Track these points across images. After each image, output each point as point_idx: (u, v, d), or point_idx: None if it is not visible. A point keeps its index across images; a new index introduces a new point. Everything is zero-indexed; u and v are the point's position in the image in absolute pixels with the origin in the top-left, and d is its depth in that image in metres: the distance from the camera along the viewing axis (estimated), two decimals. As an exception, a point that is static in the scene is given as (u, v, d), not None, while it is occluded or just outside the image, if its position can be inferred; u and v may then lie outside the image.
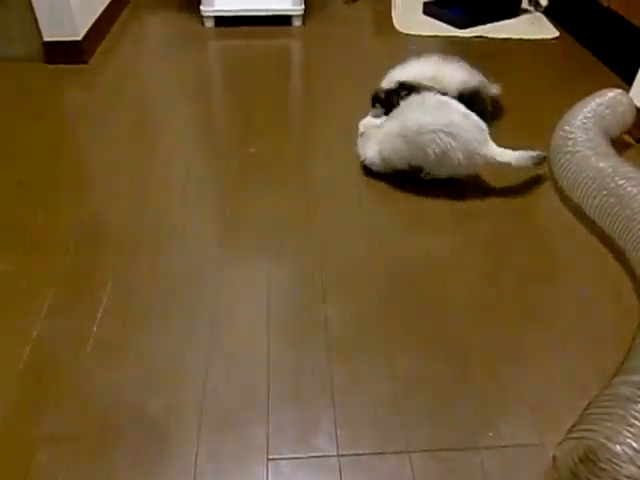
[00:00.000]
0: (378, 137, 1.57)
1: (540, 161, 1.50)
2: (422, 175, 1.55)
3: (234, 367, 1.10)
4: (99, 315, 1.19)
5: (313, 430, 1.00)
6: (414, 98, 1.55)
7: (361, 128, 1.64)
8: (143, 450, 0.96)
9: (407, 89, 1.72)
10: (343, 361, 1.11)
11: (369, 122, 1.64)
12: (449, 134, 1.45)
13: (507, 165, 1.48)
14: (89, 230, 1.41)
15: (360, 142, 1.63)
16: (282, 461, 0.95)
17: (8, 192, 1.54)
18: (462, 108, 1.49)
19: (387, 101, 1.75)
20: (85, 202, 1.51)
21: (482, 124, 1.49)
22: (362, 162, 1.62)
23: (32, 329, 1.16)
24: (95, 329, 1.16)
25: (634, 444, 0.84)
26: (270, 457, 0.96)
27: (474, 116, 1.49)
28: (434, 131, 1.45)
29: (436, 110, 1.49)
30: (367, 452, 0.97)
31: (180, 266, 1.32)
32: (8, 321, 1.18)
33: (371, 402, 1.04)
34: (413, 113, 1.50)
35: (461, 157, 1.46)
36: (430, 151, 1.47)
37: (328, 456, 0.96)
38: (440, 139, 1.45)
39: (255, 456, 0.96)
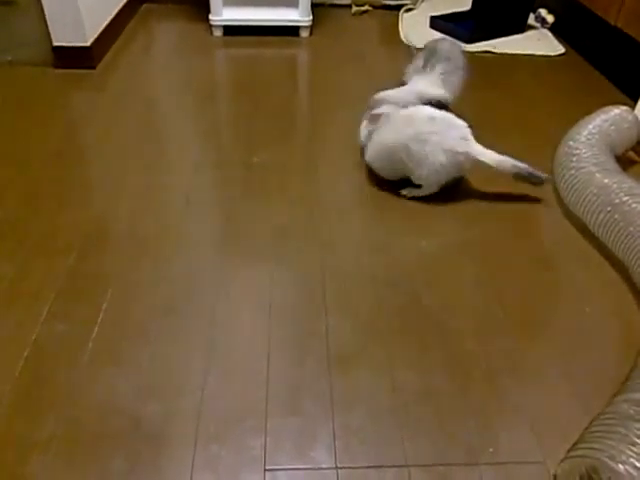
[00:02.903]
0: (370, 147, 1.61)
1: (534, 180, 1.48)
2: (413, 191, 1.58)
3: (233, 377, 1.09)
4: (98, 321, 1.19)
5: (311, 441, 0.99)
6: (384, 116, 1.58)
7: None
8: (139, 459, 0.95)
9: None
10: (343, 373, 1.10)
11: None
12: (420, 141, 1.46)
13: (488, 167, 1.48)
14: (91, 235, 1.41)
15: (363, 139, 1.66)
16: (279, 472, 0.94)
17: (11, 195, 1.54)
18: (429, 112, 1.50)
19: None
20: (88, 207, 1.51)
21: (457, 121, 1.49)
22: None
23: (31, 333, 1.15)
24: (94, 335, 1.16)
25: (637, 463, 0.83)
26: (267, 468, 0.95)
27: (446, 116, 1.49)
28: (405, 145, 1.48)
29: (402, 125, 1.51)
30: (365, 465, 0.96)
31: (181, 274, 1.32)
32: (7, 324, 1.18)
33: (370, 415, 1.03)
34: (384, 133, 1.55)
35: (442, 159, 1.46)
36: (409, 163, 1.49)
37: (326, 468, 0.95)
38: (413, 150, 1.47)
39: (252, 467, 0.95)
